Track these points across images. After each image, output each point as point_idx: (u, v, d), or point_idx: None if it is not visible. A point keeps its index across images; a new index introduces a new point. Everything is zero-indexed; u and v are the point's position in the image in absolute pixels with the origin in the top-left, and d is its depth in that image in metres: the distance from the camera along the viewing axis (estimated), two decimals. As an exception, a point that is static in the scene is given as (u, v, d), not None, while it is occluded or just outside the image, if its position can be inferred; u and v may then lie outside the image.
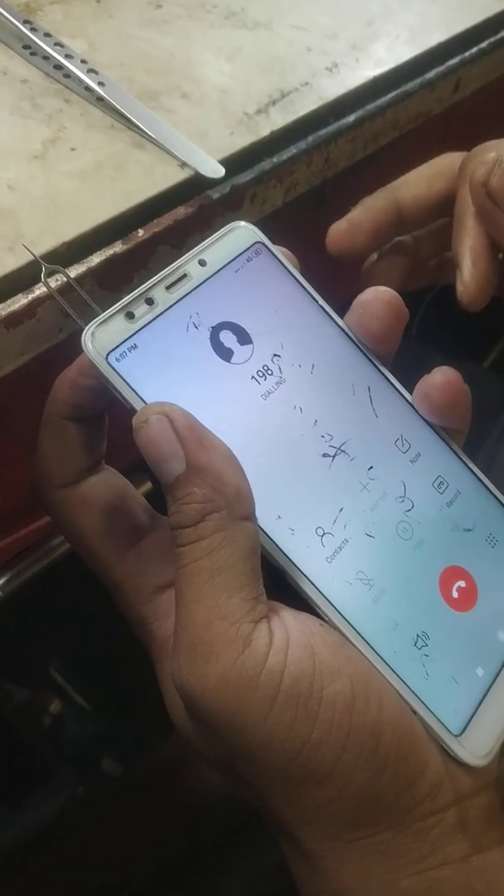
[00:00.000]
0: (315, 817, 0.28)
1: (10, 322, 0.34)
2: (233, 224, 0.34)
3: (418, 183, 0.43)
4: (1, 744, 0.98)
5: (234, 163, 0.41)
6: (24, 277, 0.34)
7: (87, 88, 0.42)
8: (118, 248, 0.37)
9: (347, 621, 0.30)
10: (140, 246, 0.37)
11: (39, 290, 0.34)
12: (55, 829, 0.85)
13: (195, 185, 0.40)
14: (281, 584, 0.30)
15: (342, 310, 0.35)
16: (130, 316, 0.31)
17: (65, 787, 0.97)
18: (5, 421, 0.39)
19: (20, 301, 0.34)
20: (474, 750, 0.30)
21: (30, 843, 0.76)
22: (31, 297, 0.34)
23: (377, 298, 0.33)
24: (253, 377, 0.32)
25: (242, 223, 0.34)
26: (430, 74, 0.50)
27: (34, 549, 0.43)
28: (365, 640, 0.30)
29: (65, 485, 0.33)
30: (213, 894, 0.61)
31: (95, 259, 0.36)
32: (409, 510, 0.32)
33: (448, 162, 0.43)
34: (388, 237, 0.43)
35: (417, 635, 0.31)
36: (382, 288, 0.33)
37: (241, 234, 0.34)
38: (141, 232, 0.37)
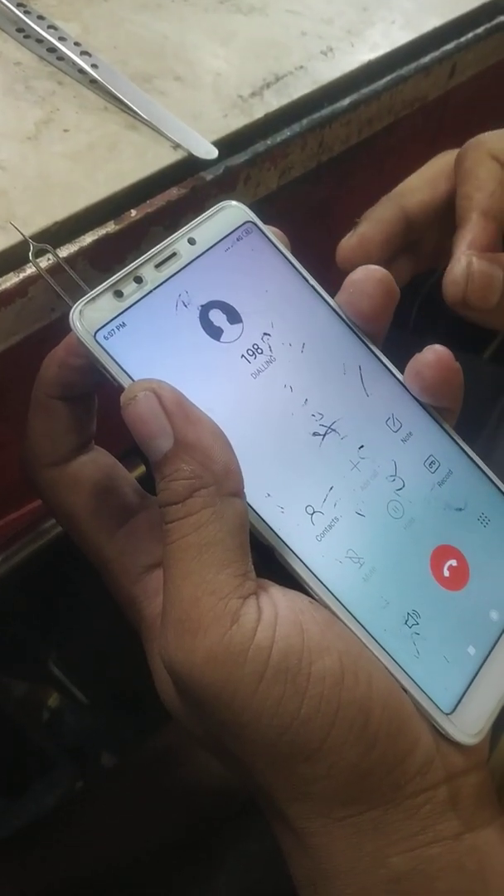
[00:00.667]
0: (304, 794, 0.28)
1: (2, 301, 0.34)
2: (223, 203, 0.33)
3: (421, 188, 0.42)
4: (0, 738, 0.98)
5: (228, 145, 0.41)
6: (16, 256, 0.34)
7: (81, 71, 0.42)
8: (110, 228, 0.37)
9: (337, 599, 0.30)
10: (132, 226, 0.37)
11: (31, 270, 0.34)
12: (54, 822, 0.85)
13: (188, 166, 0.40)
14: (270, 562, 0.30)
15: (333, 291, 0.35)
16: (119, 294, 0.31)
17: (63, 780, 0.97)
18: (-2, 402, 0.39)
19: (11, 280, 0.34)
20: (465, 728, 0.30)
21: (28, 837, 0.76)
22: (22, 275, 0.34)
23: (368, 277, 0.33)
24: (243, 356, 0.32)
25: (233, 202, 0.34)
26: (426, 59, 0.50)
27: (27, 532, 0.43)
28: (355, 618, 0.30)
29: (54, 464, 0.33)
30: (209, 882, 0.61)
31: (88, 239, 0.36)
32: (400, 489, 0.32)
33: (447, 160, 0.42)
34: (400, 246, 0.42)
35: (408, 613, 0.31)
36: (373, 266, 0.33)
37: (231, 213, 0.33)
38: (133, 212, 0.37)
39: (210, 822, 0.64)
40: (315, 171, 0.46)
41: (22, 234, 0.33)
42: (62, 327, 0.32)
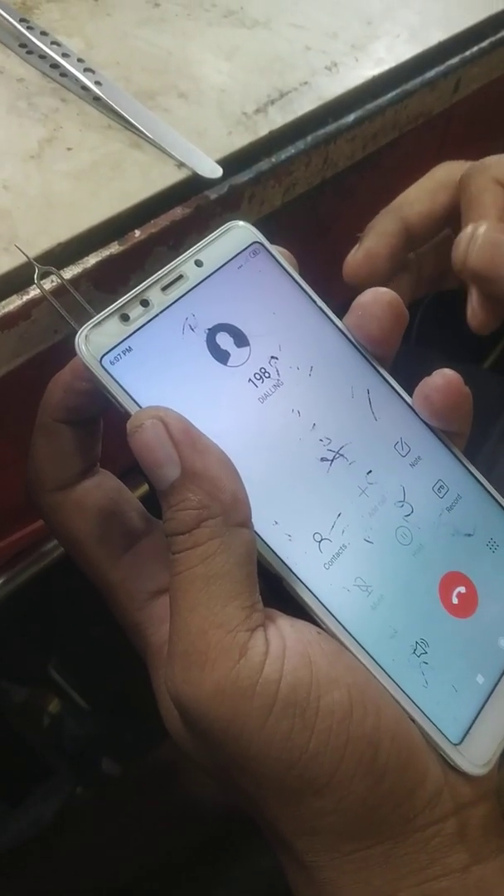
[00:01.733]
0: (312, 829, 0.28)
1: (5, 323, 0.33)
2: (230, 223, 0.33)
3: (421, 199, 0.42)
4: (0, 743, 0.98)
5: (232, 163, 0.41)
6: (19, 278, 0.34)
7: (84, 87, 0.41)
8: (114, 249, 0.36)
9: (345, 629, 0.30)
10: (137, 247, 0.37)
11: (34, 292, 0.34)
12: (54, 828, 0.85)
13: (193, 185, 0.39)
14: (278, 591, 0.30)
15: (340, 311, 0.35)
16: (125, 318, 0.30)
17: (64, 786, 0.97)
18: (2, 423, 0.38)
19: (15, 302, 0.34)
20: (474, 759, 0.29)
21: (29, 843, 0.76)
22: (25, 297, 0.34)
23: (377, 300, 0.33)
24: (250, 380, 0.32)
25: (240, 223, 0.33)
26: (431, 74, 0.49)
27: (30, 552, 0.43)
28: (363, 648, 0.29)
29: (58, 489, 0.33)
30: (210, 891, 0.61)
31: (91, 260, 0.36)
32: (409, 515, 0.32)
33: (447, 171, 0.42)
34: (403, 258, 0.42)
35: (416, 642, 0.30)
36: (382, 289, 0.33)
37: (238, 233, 0.33)
38: (138, 233, 0.37)
39: (214, 837, 0.64)
40: (319, 188, 0.46)
41: (27, 256, 0.33)
42: (66, 349, 0.32)
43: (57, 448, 0.32)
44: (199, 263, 0.32)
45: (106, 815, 0.72)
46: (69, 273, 0.35)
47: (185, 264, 0.32)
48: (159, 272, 0.32)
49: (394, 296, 0.33)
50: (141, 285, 0.31)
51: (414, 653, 0.30)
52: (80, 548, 0.33)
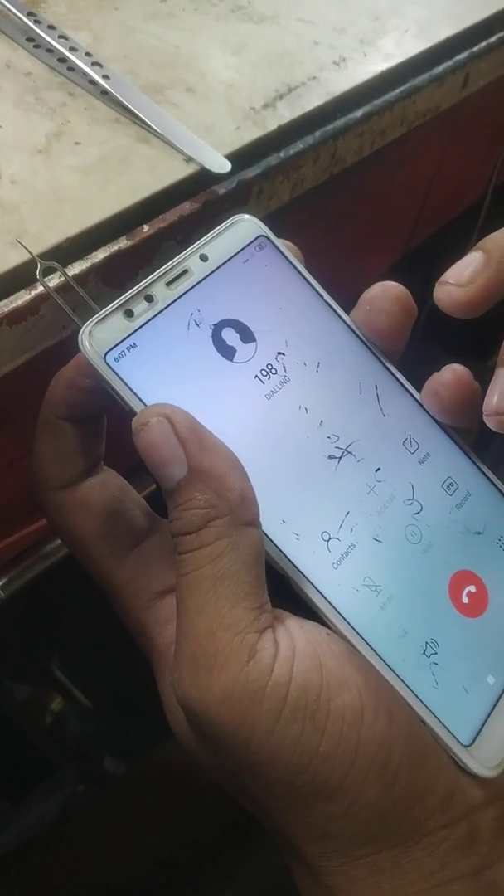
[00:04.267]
0: (323, 834, 0.27)
1: (13, 319, 0.33)
2: (235, 217, 0.33)
3: None
4: (3, 741, 0.97)
5: (241, 158, 0.41)
6: (27, 273, 0.34)
7: (92, 82, 0.41)
8: (122, 243, 0.36)
9: (354, 629, 0.29)
10: (145, 242, 0.37)
11: (42, 287, 0.34)
12: (57, 827, 0.85)
13: (201, 180, 0.39)
14: (286, 591, 0.30)
15: (346, 308, 0.34)
16: (129, 314, 0.30)
17: (66, 785, 0.97)
18: (7, 420, 0.38)
19: (23, 297, 0.33)
20: (485, 761, 0.29)
21: (31, 842, 0.75)
22: (33, 293, 0.34)
23: (385, 294, 0.32)
24: (256, 376, 0.31)
25: (245, 216, 0.33)
26: (439, 69, 0.49)
27: (35, 549, 0.43)
28: (372, 649, 0.29)
29: (62, 487, 0.32)
30: (216, 893, 0.61)
31: (100, 255, 0.36)
32: (418, 513, 0.32)
33: None
34: None
35: (426, 643, 0.30)
36: (390, 283, 0.32)
37: (244, 227, 0.33)
38: (146, 228, 0.37)
39: (217, 836, 0.63)
40: (327, 184, 0.46)
41: (30, 252, 0.33)
42: (73, 345, 0.32)
43: (60, 446, 0.32)
44: (204, 258, 0.32)
45: (108, 814, 0.72)
46: (77, 268, 0.35)
47: (189, 259, 0.31)
48: (164, 267, 0.31)
49: (402, 289, 0.32)
50: (145, 280, 0.31)
51: (424, 653, 0.30)
52: (83, 547, 0.32)
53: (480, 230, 0.73)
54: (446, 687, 0.30)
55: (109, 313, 0.30)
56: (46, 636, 1.00)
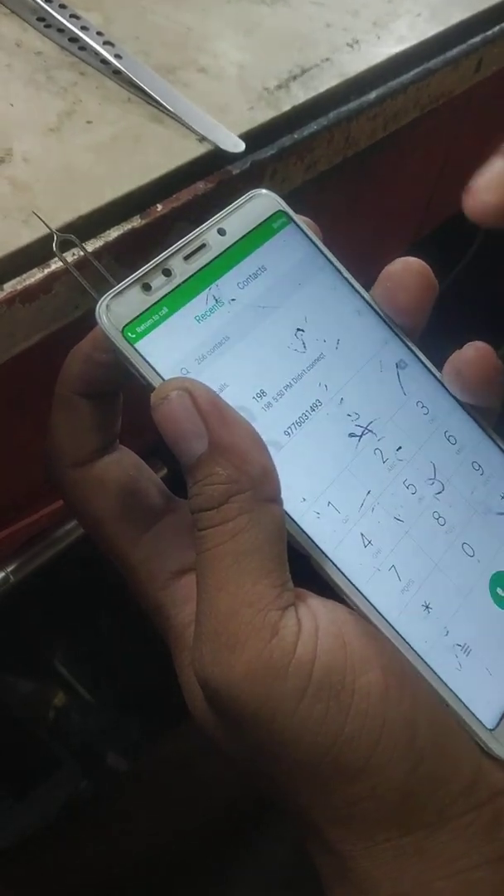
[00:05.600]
0: (347, 816, 0.27)
1: (26, 297, 0.33)
2: (253, 192, 0.32)
3: None
4: (5, 737, 0.97)
5: (255, 138, 0.40)
6: (41, 251, 0.33)
7: (103, 61, 0.41)
8: (136, 222, 0.36)
9: (376, 609, 0.29)
10: (158, 221, 0.36)
11: (56, 265, 0.33)
12: (59, 823, 0.84)
13: (214, 160, 0.39)
14: (306, 573, 0.29)
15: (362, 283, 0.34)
16: (147, 287, 0.29)
17: (69, 780, 0.96)
18: (20, 401, 0.38)
19: (35, 275, 0.33)
20: None
21: (34, 837, 0.75)
22: (46, 271, 0.33)
23: (406, 269, 0.32)
24: (276, 352, 0.31)
25: (264, 191, 0.32)
26: (453, 52, 0.49)
27: (46, 535, 0.42)
28: (394, 629, 0.29)
29: (78, 464, 0.32)
30: (221, 890, 0.60)
31: (113, 234, 0.35)
32: (439, 493, 0.31)
33: None
34: None
35: (449, 624, 0.30)
36: (412, 258, 0.32)
37: (262, 202, 0.32)
38: (160, 207, 0.36)
39: (224, 830, 0.63)
40: (340, 166, 0.45)
41: (47, 225, 0.32)
42: (87, 324, 0.31)
43: (76, 422, 0.31)
44: (221, 232, 0.31)
45: (112, 809, 0.71)
46: (90, 246, 0.34)
47: (207, 233, 0.31)
48: (181, 241, 0.31)
49: (423, 265, 0.32)
50: (163, 254, 0.30)
51: (446, 635, 0.29)
52: (99, 526, 0.32)
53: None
54: (470, 669, 0.29)
55: (127, 287, 0.29)
56: (49, 631, 1.00)
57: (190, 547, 0.30)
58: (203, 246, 0.31)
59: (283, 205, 0.32)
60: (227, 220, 0.31)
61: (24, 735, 0.98)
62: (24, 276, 0.33)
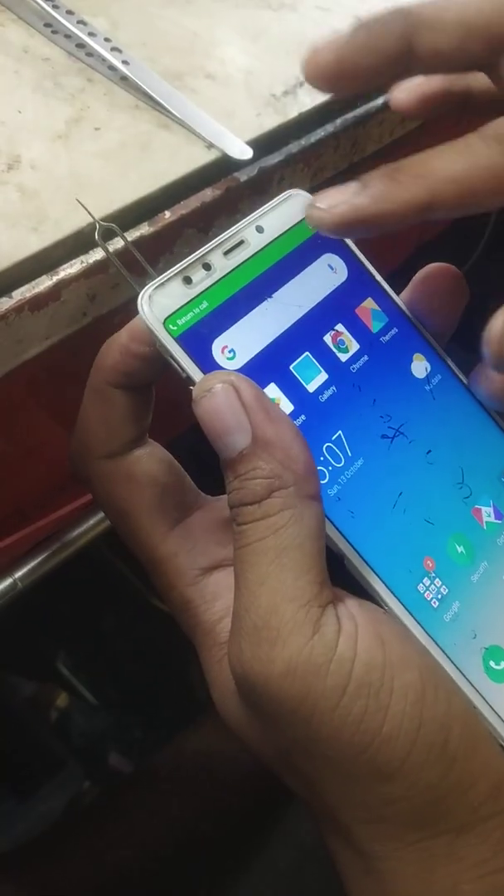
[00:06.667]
0: (378, 816, 0.27)
1: (35, 305, 0.33)
2: (288, 192, 0.33)
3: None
4: (8, 738, 0.97)
5: (262, 145, 0.40)
6: (49, 259, 0.33)
7: (111, 67, 0.41)
8: (144, 229, 0.36)
9: (408, 611, 0.29)
10: (166, 228, 0.36)
11: (64, 272, 0.33)
12: (63, 823, 0.84)
13: (222, 166, 0.39)
14: (339, 574, 0.29)
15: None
16: (188, 280, 0.30)
17: (72, 781, 0.97)
18: (26, 408, 0.38)
19: (45, 283, 0.33)
20: None
21: (37, 839, 0.75)
22: (55, 278, 0.33)
23: (442, 274, 0.32)
24: (312, 350, 0.31)
25: (300, 191, 0.33)
26: (459, 58, 0.48)
27: (54, 540, 0.42)
28: (426, 632, 0.29)
29: (109, 456, 0.31)
30: (227, 891, 0.60)
31: (121, 241, 0.35)
32: (468, 497, 0.32)
33: None
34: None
35: (478, 628, 0.30)
36: (445, 264, 0.32)
37: (298, 201, 0.33)
38: (168, 214, 0.36)
39: (230, 831, 0.63)
40: (346, 173, 0.45)
41: (90, 213, 0.33)
42: (96, 332, 0.31)
43: (109, 413, 0.31)
44: (260, 229, 0.32)
45: (116, 811, 0.72)
46: (99, 253, 0.34)
47: (246, 229, 0.31)
48: (221, 236, 0.31)
49: (457, 271, 0.32)
50: (203, 248, 0.30)
51: (475, 638, 0.30)
52: (128, 519, 0.32)
53: (494, 224, 0.73)
54: (498, 673, 0.29)
55: (169, 279, 0.29)
56: (52, 633, 1.00)
57: (220, 543, 0.30)
58: (242, 242, 0.31)
59: None
60: (265, 218, 0.32)
61: (26, 736, 0.98)
62: (33, 283, 0.33)
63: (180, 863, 0.65)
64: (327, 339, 0.32)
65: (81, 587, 0.88)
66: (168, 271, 0.30)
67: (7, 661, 0.99)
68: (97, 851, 0.68)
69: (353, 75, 0.30)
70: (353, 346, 0.32)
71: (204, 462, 0.33)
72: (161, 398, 0.33)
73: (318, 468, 0.29)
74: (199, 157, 0.38)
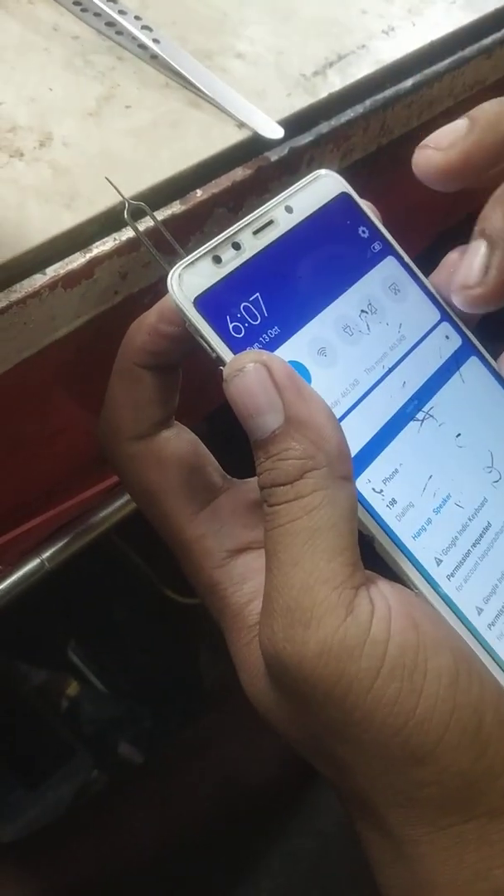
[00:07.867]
0: (410, 800, 0.26)
1: (68, 282, 0.32)
2: (317, 172, 0.32)
3: None
4: (19, 726, 0.97)
5: (293, 125, 0.40)
6: (82, 235, 0.33)
7: (141, 46, 0.40)
8: (176, 208, 0.35)
9: (438, 594, 0.29)
10: (198, 207, 0.36)
11: (97, 250, 0.33)
12: (71, 813, 0.84)
13: (253, 146, 0.38)
14: (367, 556, 0.29)
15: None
16: (217, 260, 0.29)
17: (81, 770, 0.97)
18: (55, 388, 0.37)
19: (78, 260, 0.33)
20: None
21: (47, 828, 0.75)
22: (88, 255, 0.33)
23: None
24: (341, 332, 0.31)
25: (329, 171, 0.32)
26: (488, 41, 0.48)
27: (80, 521, 0.42)
28: (456, 615, 0.29)
29: (137, 437, 0.31)
30: (237, 882, 0.60)
31: (150, 220, 0.35)
32: (497, 481, 0.31)
33: None
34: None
35: None
36: None
37: (327, 182, 0.32)
38: (199, 192, 0.36)
39: (239, 821, 0.63)
40: (374, 155, 0.45)
41: (119, 192, 0.32)
42: (122, 313, 0.31)
43: (137, 394, 0.31)
44: (289, 210, 0.31)
45: (125, 800, 0.71)
46: (129, 231, 0.34)
47: (275, 209, 0.31)
48: (250, 216, 0.31)
49: None
50: (232, 228, 0.30)
51: None
52: (155, 501, 0.31)
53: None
54: None
55: (198, 258, 0.29)
56: (63, 621, 1.00)
57: (247, 526, 0.29)
58: (271, 222, 0.31)
59: (346, 186, 0.33)
60: (294, 198, 0.31)
61: (36, 724, 0.98)
62: (67, 260, 0.33)
63: (191, 852, 0.65)
64: (356, 320, 0.31)
65: (93, 577, 0.88)
66: (197, 250, 0.29)
67: (18, 649, 0.99)
68: (107, 840, 0.68)
69: (475, 174, 0.32)
70: (382, 328, 0.32)
71: (223, 447, 0.33)
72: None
73: None
74: (230, 136, 0.38)
